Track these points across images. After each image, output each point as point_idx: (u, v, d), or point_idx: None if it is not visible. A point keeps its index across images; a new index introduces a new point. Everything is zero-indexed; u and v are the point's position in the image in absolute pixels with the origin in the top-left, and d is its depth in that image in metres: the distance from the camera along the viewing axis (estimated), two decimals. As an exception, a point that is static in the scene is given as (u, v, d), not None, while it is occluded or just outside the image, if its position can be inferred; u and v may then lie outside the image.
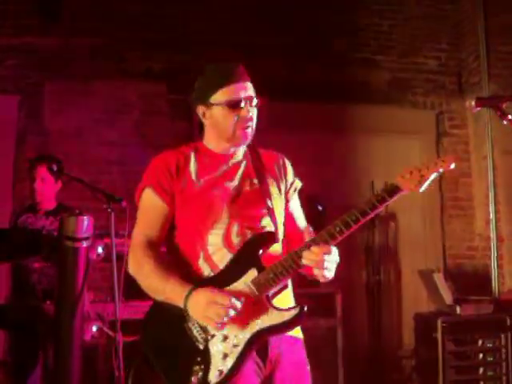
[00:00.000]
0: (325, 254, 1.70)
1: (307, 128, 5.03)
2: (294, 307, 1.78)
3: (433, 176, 1.76)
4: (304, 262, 1.72)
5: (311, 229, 1.85)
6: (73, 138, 4.63)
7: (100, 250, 3.25)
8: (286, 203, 2.00)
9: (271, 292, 1.76)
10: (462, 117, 5.35)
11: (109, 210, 3.03)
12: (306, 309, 1.75)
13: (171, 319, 1.77)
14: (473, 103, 1.87)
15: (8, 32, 4.62)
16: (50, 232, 3.28)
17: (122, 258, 2.87)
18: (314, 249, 1.71)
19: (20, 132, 4.60)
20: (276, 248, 1.87)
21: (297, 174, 2.08)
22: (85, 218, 1.58)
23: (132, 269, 1.85)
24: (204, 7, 4.99)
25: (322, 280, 1.79)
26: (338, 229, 1.72)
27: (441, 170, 1.75)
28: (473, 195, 5.23)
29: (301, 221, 2.05)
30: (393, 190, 1.73)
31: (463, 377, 4.08)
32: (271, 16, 5.11)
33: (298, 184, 2.06)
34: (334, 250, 1.74)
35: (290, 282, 1.89)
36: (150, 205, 1.88)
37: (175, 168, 1.88)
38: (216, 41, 4.82)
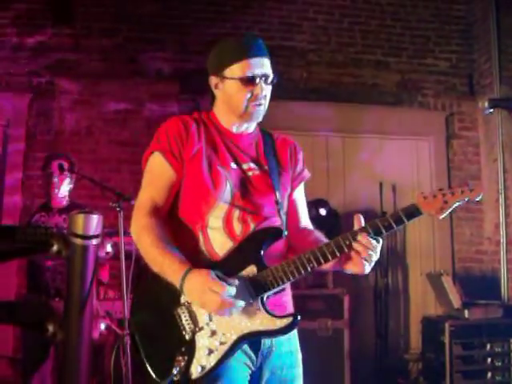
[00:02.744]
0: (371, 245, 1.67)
1: (317, 129, 5.04)
2: (287, 316, 1.71)
3: (456, 204, 1.69)
4: (355, 246, 1.67)
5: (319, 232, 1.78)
6: (83, 137, 4.66)
7: (109, 248, 3.27)
8: (290, 191, 1.94)
9: (267, 294, 1.70)
10: (473, 119, 5.32)
11: (118, 209, 3.05)
12: (299, 318, 1.69)
13: (161, 302, 1.72)
14: (486, 104, 1.85)
15: (21, 31, 4.66)
16: (62, 229, 3.30)
17: (130, 257, 2.90)
18: (363, 238, 1.67)
19: (30, 130, 4.63)
20: (278, 245, 1.80)
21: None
22: (94, 215, 1.60)
23: (134, 234, 1.77)
24: (216, 8, 5.01)
25: (355, 270, 1.72)
26: (347, 242, 1.69)
27: (466, 199, 1.68)
28: (482, 198, 5.19)
29: (303, 214, 1.99)
30: (412, 213, 1.68)
31: (471, 381, 4.05)
32: (283, 17, 5.13)
33: (306, 174, 2.00)
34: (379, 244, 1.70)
35: (288, 285, 1.82)
36: (159, 169, 1.81)
37: (186, 134, 1.81)
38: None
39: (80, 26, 4.76)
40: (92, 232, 1.68)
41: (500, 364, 4.10)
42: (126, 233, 2.97)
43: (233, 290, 1.61)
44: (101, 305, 3.41)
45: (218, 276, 1.63)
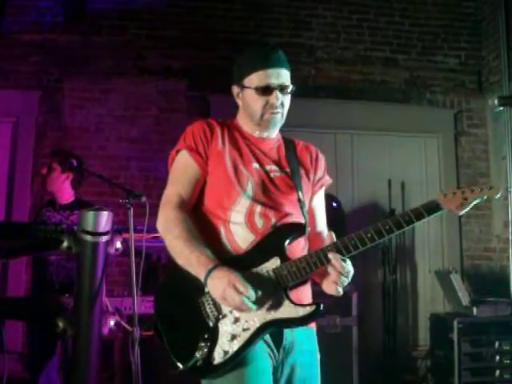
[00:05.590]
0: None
1: (325, 126, 5.03)
2: (310, 304, 1.76)
3: (476, 201, 1.75)
4: (331, 258, 1.72)
5: (333, 235, 1.80)
6: (92, 134, 4.69)
7: (118, 244, 3.28)
8: (310, 195, 1.98)
9: (290, 285, 1.75)
10: (481, 116, 5.30)
11: (128, 206, 3.06)
12: (322, 307, 1.73)
13: (185, 291, 1.77)
14: (495, 102, 1.86)
15: (31, 29, 4.69)
16: (71, 226, 3.31)
17: (140, 253, 2.91)
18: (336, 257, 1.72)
19: (40, 127, 4.66)
20: (300, 240, 1.86)
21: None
22: (104, 212, 1.61)
23: (161, 227, 1.82)
24: (225, 5, 5.01)
25: (328, 290, 1.78)
26: (369, 235, 1.73)
27: (485, 196, 1.74)
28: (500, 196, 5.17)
29: (321, 220, 2.02)
30: (433, 208, 1.75)
31: (479, 379, 4.04)
32: (292, 14, 5.12)
33: (327, 180, 2.05)
34: (350, 267, 1.75)
35: (309, 279, 1.87)
36: (185, 166, 1.89)
37: (210, 134, 1.91)
38: (236, 39, 4.84)
39: (89, 24, 4.79)
40: (102, 229, 1.69)
41: (508, 362, 4.08)
42: (136, 230, 2.99)
43: (253, 296, 1.65)
44: (110, 301, 3.42)
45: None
